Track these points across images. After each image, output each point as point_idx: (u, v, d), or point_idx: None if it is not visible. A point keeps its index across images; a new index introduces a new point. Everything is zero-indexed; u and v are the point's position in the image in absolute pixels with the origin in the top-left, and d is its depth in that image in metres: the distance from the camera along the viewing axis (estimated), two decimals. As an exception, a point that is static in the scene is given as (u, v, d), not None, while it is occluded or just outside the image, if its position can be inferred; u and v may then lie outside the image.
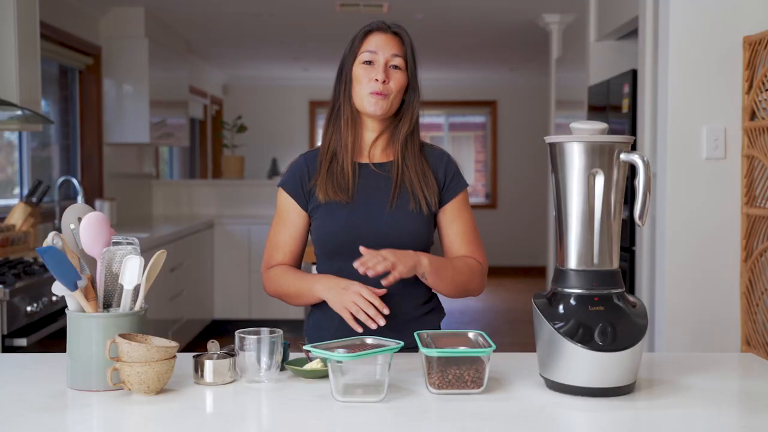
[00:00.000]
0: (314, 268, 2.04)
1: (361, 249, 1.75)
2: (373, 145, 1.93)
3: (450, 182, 1.94)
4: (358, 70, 1.88)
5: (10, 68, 3.36)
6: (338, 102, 1.93)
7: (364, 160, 1.93)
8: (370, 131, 1.93)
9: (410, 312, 1.89)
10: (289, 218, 1.93)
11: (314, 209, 1.90)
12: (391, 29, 1.90)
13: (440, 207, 1.93)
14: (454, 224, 1.94)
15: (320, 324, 1.92)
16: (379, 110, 1.87)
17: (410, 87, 1.91)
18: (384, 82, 1.86)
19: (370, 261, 1.72)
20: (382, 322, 1.75)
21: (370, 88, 1.86)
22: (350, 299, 1.76)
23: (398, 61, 1.88)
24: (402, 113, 1.92)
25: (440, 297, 2.02)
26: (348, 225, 1.86)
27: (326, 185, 1.88)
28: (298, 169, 1.94)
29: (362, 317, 1.75)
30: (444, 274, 1.85)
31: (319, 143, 2.01)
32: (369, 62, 1.87)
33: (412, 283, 1.88)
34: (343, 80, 1.92)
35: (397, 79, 1.87)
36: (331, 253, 1.89)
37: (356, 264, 1.73)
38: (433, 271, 1.82)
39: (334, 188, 1.87)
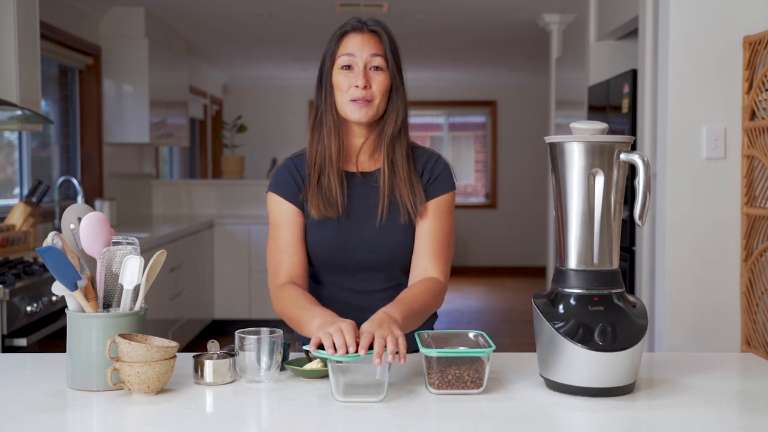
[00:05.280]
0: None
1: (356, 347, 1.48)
2: (360, 152, 1.83)
3: (431, 183, 1.84)
4: (338, 76, 1.78)
5: (10, 68, 3.36)
6: (320, 109, 1.82)
7: (352, 168, 1.84)
8: (357, 137, 1.83)
9: None
10: (286, 218, 1.82)
11: (306, 216, 1.84)
12: (368, 27, 1.79)
13: None
14: (423, 231, 1.81)
15: None
16: (364, 117, 1.77)
17: (394, 87, 1.80)
18: (365, 87, 1.75)
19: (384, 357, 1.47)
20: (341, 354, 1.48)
21: (351, 95, 1.76)
22: (329, 329, 1.52)
23: (379, 62, 1.77)
24: (387, 115, 1.81)
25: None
26: (335, 239, 1.80)
27: (317, 201, 1.79)
28: (288, 172, 1.85)
29: (328, 344, 1.49)
30: (412, 322, 1.68)
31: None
32: (348, 66, 1.77)
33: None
34: (324, 87, 1.81)
35: (380, 82, 1.77)
36: (320, 265, 1.84)
37: (375, 362, 1.46)
38: (405, 326, 1.62)
39: (325, 204, 1.79)
